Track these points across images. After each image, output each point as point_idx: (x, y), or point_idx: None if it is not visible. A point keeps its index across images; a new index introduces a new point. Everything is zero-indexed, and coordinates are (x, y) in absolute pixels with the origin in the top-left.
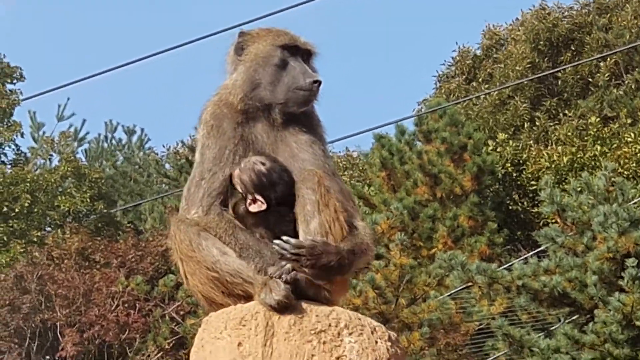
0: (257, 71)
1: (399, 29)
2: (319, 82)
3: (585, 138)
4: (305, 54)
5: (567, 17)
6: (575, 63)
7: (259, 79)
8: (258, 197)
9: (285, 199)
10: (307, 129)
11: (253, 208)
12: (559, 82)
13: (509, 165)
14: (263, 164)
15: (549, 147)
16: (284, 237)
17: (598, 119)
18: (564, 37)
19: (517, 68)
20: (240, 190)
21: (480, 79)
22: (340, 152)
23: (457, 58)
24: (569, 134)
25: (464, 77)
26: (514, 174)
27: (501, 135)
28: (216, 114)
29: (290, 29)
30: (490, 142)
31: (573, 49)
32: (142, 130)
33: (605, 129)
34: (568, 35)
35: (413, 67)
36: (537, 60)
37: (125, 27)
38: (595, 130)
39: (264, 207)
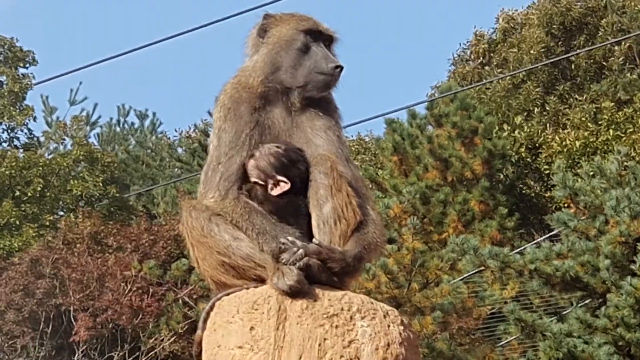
0: (279, 54)
1: (413, 13)
2: (340, 68)
3: (599, 122)
4: (327, 40)
5: (581, 0)
6: (589, 48)
7: (281, 61)
8: (280, 177)
9: (304, 182)
10: (323, 115)
11: (276, 191)
12: (573, 66)
13: (522, 149)
14: (278, 147)
15: (561, 132)
16: (290, 238)
17: (612, 103)
18: (577, 20)
19: (531, 52)
20: (258, 180)
21: (494, 63)
22: (352, 136)
23: (473, 42)
24: (583, 118)
25: (479, 60)
26: (528, 158)
27: (517, 119)
28: (234, 97)
29: (307, 13)
30: (505, 126)
31: (586, 32)
32: (155, 114)
33: (619, 113)
34: (581, 19)
35: (427, 52)
36: (551, 44)
37: (138, 10)
38: (609, 114)
39: (287, 186)
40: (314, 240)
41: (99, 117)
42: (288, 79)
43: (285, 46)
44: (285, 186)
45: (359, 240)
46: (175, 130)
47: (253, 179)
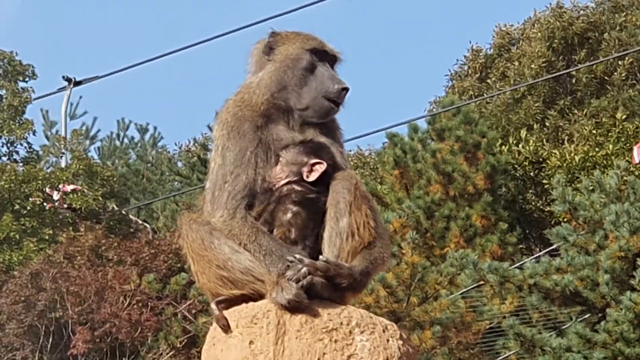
0: (285, 72)
1: (410, 28)
2: (346, 89)
3: (597, 138)
4: (332, 60)
5: (583, 15)
6: (591, 63)
7: (287, 80)
8: (314, 160)
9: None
10: (326, 132)
11: (314, 175)
12: (574, 81)
13: (526, 163)
14: (300, 140)
15: (561, 146)
16: (297, 256)
17: (624, 116)
18: (579, 35)
19: (532, 66)
20: (291, 176)
21: (493, 78)
22: (351, 150)
23: (470, 57)
24: (585, 132)
25: (477, 75)
26: (531, 173)
27: (522, 133)
28: (237, 115)
29: (300, 28)
30: (510, 139)
31: (588, 47)
32: (155, 128)
33: (620, 127)
34: (583, 34)
35: (424, 67)
36: (552, 58)
37: (138, 24)
38: (610, 129)
39: (324, 166)
40: (321, 257)
41: (98, 130)
42: (293, 99)
43: (292, 65)
44: (321, 167)
45: (367, 256)
46: (175, 144)
47: (283, 181)
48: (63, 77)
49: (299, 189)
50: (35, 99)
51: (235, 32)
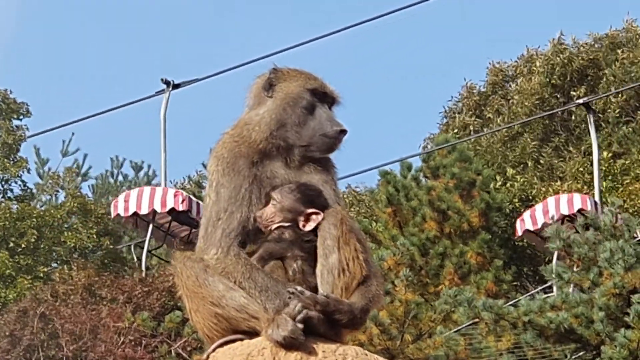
0: (285, 111)
1: (403, 66)
2: (345, 132)
3: (586, 176)
4: (331, 101)
5: (582, 52)
6: (585, 99)
7: (287, 118)
8: (311, 210)
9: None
10: (321, 170)
11: (310, 225)
12: (573, 117)
13: (516, 201)
14: (296, 183)
15: (554, 184)
16: (298, 288)
17: (610, 154)
18: (578, 72)
19: (526, 104)
20: (284, 222)
21: (487, 115)
22: (344, 188)
23: (464, 94)
24: (580, 169)
25: (471, 113)
26: (522, 210)
27: (510, 171)
28: (234, 151)
29: (294, 66)
30: (498, 177)
31: (586, 84)
32: (150, 166)
33: (615, 164)
34: (582, 71)
35: (418, 104)
36: (545, 95)
37: (131, 63)
38: (605, 165)
39: (321, 216)
40: (321, 292)
41: (90, 167)
42: (292, 137)
43: (292, 103)
44: (318, 217)
45: (365, 293)
46: (171, 182)
47: (276, 224)
48: (162, 79)
49: (292, 234)
50: (29, 136)
51: (228, 71)
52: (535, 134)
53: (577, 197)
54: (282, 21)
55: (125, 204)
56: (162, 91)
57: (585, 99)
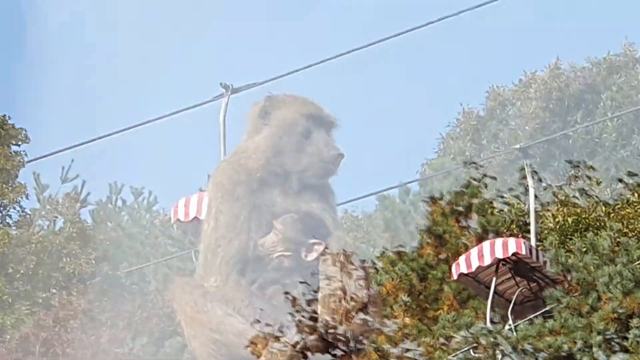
0: (281, 138)
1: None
2: (342, 156)
3: (588, 200)
4: (327, 125)
5: (580, 77)
6: (586, 124)
7: (283, 146)
8: (313, 240)
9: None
10: (319, 198)
11: (312, 255)
12: (570, 142)
13: (514, 226)
14: (297, 213)
15: (553, 208)
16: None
17: (609, 179)
18: (575, 97)
19: (527, 128)
20: (286, 252)
21: (485, 140)
22: (341, 214)
23: (461, 119)
24: (577, 194)
25: (468, 138)
26: (520, 235)
27: (508, 196)
28: (233, 178)
29: (295, 92)
30: (495, 203)
31: (584, 109)
32: (150, 192)
33: (612, 189)
34: (580, 96)
35: (415, 129)
36: (546, 120)
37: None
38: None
39: (323, 246)
40: (320, 319)
41: (88, 193)
42: (289, 164)
43: (288, 130)
44: (320, 247)
45: (362, 319)
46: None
47: (277, 254)
48: (220, 84)
49: (293, 263)
50: (28, 162)
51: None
52: (535, 158)
53: (512, 241)
54: (338, 26)
55: (185, 209)
56: (220, 95)
57: (522, 144)
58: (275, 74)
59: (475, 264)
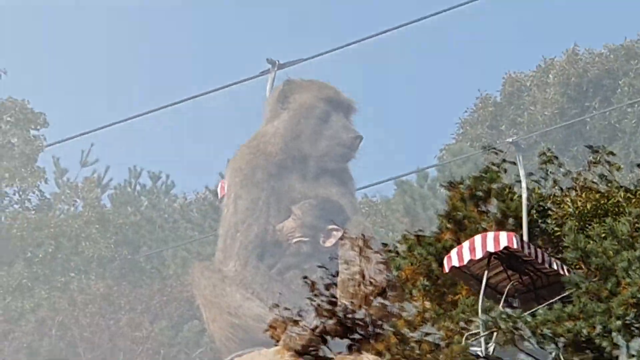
0: (300, 122)
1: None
2: (360, 138)
3: (608, 185)
4: (346, 109)
5: (598, 62)
6: (604, 110)
7: (301, 129)
8: (332, 226)
9: None
10: (338, 182)
11: (331, 241)
12: (587, 127)
13: (533, 211)
14: (316, 198)
15: (572, 194)
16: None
17: (629, 164)
18: (593, 82)
19: (546, 113)
20: (303, 237)
21: (502, 126)
22: (360, 199)
23: (479, 105)
24: (597, 180)
25: (487, 123)
26: (539, 220)
27: (527, 181)
28: (252, 163)
29: (316, 76)
30: (515, 188)
31: (602, 94)
32: (168, 176)
33: (631, 174)
34: (597, 81)
35: (433, 114)
36: (565, 106)
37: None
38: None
39: (341, 232)
40: (338, 303)
41: (110, 179)
42: (307, 148)
43: (306, 114)
44: (339, 233)
45: (384, 305)
46: (193, 192)
47: (296, 239)
48: (267, 59)
49: (311, 248)
50: (47, 146)
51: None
52: (553, 143)
53: (503, 235)
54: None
55: None
56: (266, 71)
57: (514, 137)
58: (312, 53)
59: (467, 257)
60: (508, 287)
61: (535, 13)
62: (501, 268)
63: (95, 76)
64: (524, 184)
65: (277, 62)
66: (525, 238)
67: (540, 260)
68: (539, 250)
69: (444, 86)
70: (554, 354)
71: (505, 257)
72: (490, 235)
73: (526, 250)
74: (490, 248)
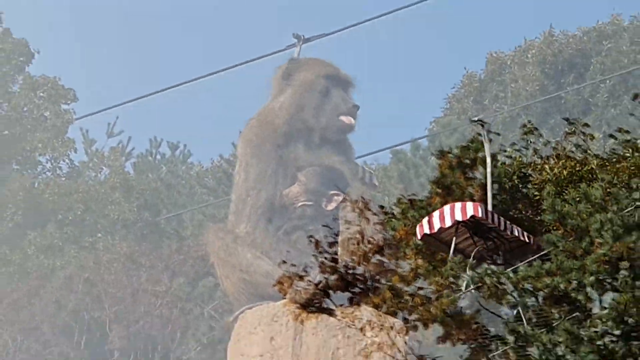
0: (302, 96)
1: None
2: (357, 107)
3: (582, 154)
4: (344, 84)
5: (572, 43)
6: (578, 86)
7: (304, 103)
8: (333, 192)
9: None
10: (339, 152)
11: (332, 205)
12: (563, 102)
13: (515, 177)
14: (320, 166)
15: (550, 161)
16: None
17: (601, 135)
18: (568, 61)
19: (527, 88)
20: (307, 202)
21: (486, 100)
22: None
23: (465, 82)
24: (573, 149)
25: (472, 98)
26: (520, 185)
27: (510, 150)
28: (260, 135)
29: (320, 55)
30: (499, 157)
31: (576, 72)
32: (185, 146)
33: (604, 144)
34: (571, 60)
35: (425, 90)
36: (544, 82)
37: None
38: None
39: (341, 197)
40: (339, 260)
41: (133, 148)
42: (311, 120)
43: (309, 89)
44: (339, 198)
45: (381, 262)
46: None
47: (300, 203)
48: (293, 34)
49: (315, 211)
50: (76, 119)
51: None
52: (534, 116)
53: (470, 205)
54: None
55: None
56: (293, 45)
57: (481, 116)
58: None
59: (437, 226)
60: (474, 251)
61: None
62: (468, 235)
63: (121, 55)
64: (488, 160)
65: (302, 36)
66: (489, 208)
67: (502, 228)
68: (501, 218)
69: (435, 65)
70: (533, 306)
71: (472, 225)
72: (458, 205)
73: (490, 219)
74: (458, 217)
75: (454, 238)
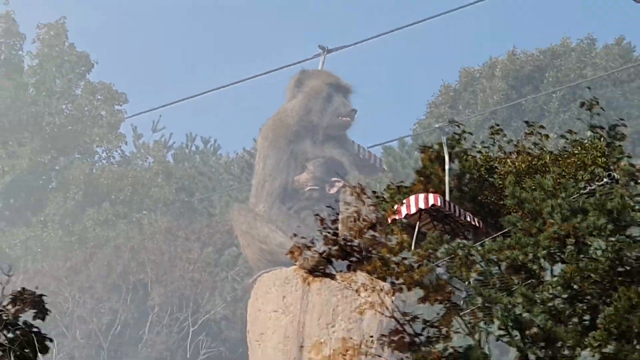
0: (310, 101)
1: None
2: (355, 110)
3: (539, 150)
4: (344, 91)
5: (530, 60)
6: (534, 95)
7: (311, 107)
8: (334, 178)
9: None
10: (340, 146)
11: (334, 189)
12: (523, 108)
13: (483, 169)
14: (324, 157)
15: (512, 156)
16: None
17: (554, 135)
18: (527, 75)
19: (495, 97)
20: (315, 186)
21: (460, 106)
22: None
23: (442, 91)
24: (531, 146)
25: (448, 104)
26: (487, 175)
27: (479, 147)
28: (276, 131)
29: (327, 66)
30: (470, 152)
31: (533, 84)
32: (215, 140)
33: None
34: (530, 74)
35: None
36: (509, 92)
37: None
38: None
39: (342, 182)
40: (340, 234)
41: (173, 142)
42: (316, 120)
43: (315, 95)
44: (339, 184)
45: (374, 237)
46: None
47: (309, 187)
48: (319, 46)
49: (320, 194)
50: (127, 117)
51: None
52: (500, 119)
53: (431, 196)
54: None
55: None
56: (318, 55)
57: (445, 123)
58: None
59: (404, 212)
60: (434, 233)
61: (484, 24)
62: (429, 220)
63: (165, 62)
64: (447, 158)
65: (326, 48)
66: (447, 198)
67: (457, 215)
68: (457, 206)
69: (417, 78)
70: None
71: (432, 212)
72: (422, 195)
73: (447, 207)
74: (421, 205)
75: (418, 222)
